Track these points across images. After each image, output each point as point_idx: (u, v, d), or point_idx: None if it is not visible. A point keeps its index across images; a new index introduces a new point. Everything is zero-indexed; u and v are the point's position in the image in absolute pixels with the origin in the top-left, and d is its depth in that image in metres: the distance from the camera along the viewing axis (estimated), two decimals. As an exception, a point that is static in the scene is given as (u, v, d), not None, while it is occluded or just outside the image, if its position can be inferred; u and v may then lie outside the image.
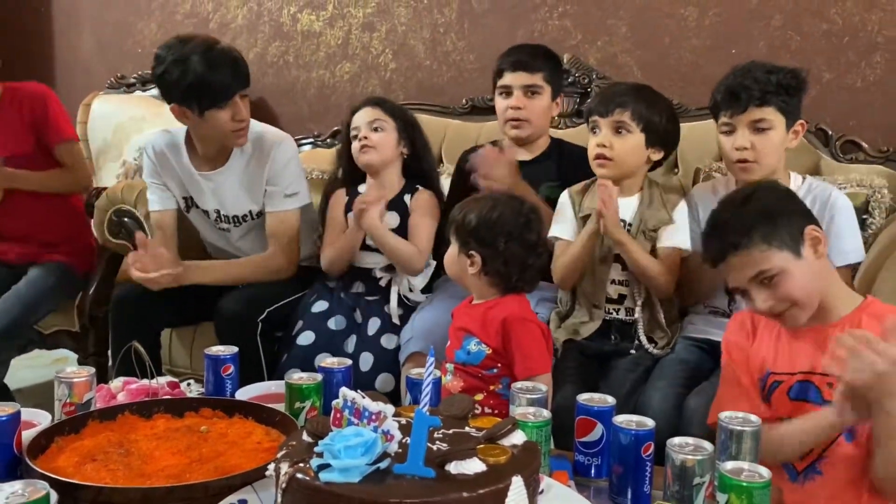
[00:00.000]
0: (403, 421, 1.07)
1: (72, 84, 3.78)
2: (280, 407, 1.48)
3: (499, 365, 1.72)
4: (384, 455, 1.01)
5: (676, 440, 1.25)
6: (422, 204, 2.30)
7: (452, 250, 1.80)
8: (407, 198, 2.32)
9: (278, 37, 3.38)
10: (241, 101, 2.24)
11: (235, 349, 1.66)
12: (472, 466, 1.00)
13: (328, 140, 3.08)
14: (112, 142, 3.38)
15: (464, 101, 2.90)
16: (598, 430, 1.36)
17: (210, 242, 2.55)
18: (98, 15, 3.79)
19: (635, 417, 1.33)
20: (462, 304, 1.85)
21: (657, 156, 2.04)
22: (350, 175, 2.38)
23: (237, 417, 1.46)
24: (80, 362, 2.80)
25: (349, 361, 1.61)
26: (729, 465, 1.17)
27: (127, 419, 1.44)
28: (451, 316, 1.86)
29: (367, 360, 2.13)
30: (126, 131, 3.20)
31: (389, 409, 1.03)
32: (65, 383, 1.48)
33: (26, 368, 2.79)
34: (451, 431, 1.11)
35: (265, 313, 2.23)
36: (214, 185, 2.36)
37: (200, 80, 2.14)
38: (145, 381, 1.59)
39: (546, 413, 1.35)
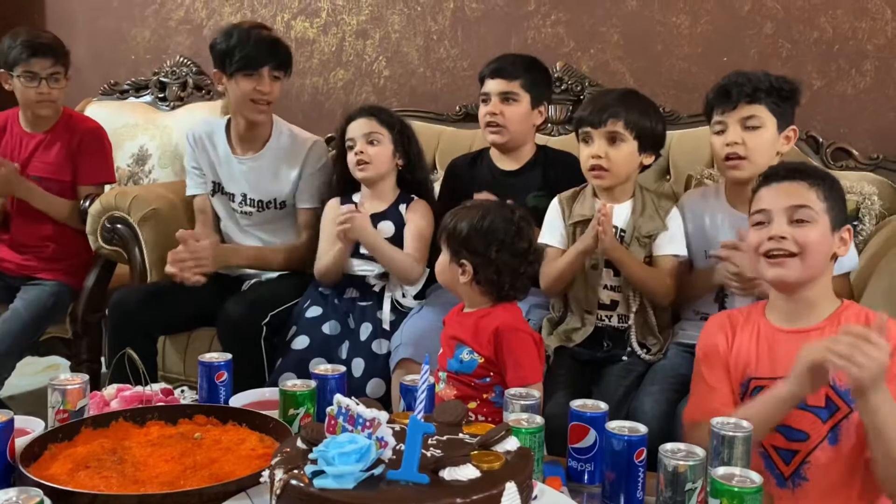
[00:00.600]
0: (397, 427, 1.08)
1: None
2: (274, 414, 1.48)
3: (491, 374, 1.72)
4: (378, 461, 1.01)
5: (669, 446, 1.25)
6: (417, 214, 2.31)
7: (443, 259, 1.80)
8: (402, 207, 2.33)
9: (272, 44, 3.38)
10: (271, 80, 2.42)
11: (229, 356, 1.66)
12: (466, 472, 1.01)
13: (322, 147, 3.08)
14: (105, 148, 3.37)
15: (457, 108, 2.91)
16: (591, 436, 1.37)
17: (225, 232, 2.64)
18: (91, 22, 3.78)
19: (628, 423, 1.34)
20: (453, 312, 1.85)
21: (649, 160, 2.05)
22: (344, 183, 2.39)
23: (231, 424, 1.45)
24: (73, 369, 2.79)
25: (343, 368, 1.61)
26: (721, 470, 1.18)
27: (120, 426, 1.44)
28: (443, 323, 1.86)
29: (358, 366, 2.14)
30: (119, 138, 3.20)
31: (383, 415, 1.04)
32: (58, 390, 1.47)
33: (19, 376, 2.79)
34: (444, 438, 1.11)
35: (268, 317, 2.26)
36: (247, 169, 2.52)
37: (234, 46, 2.39)
38: (139, 388, 1.59)
39: (539, 419, 1.36)
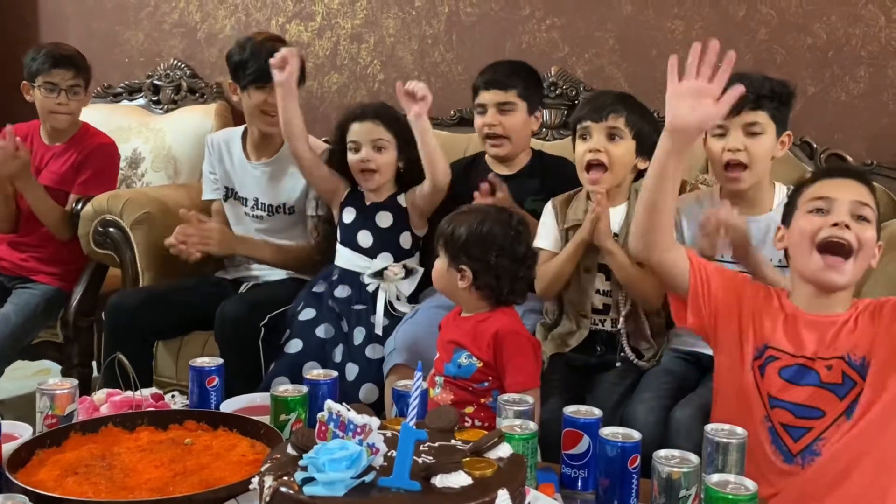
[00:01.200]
0: (389, 434, 1.07)
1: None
2: (265, 419, 1.47)
3: (490, 378, 1.71)
4: (369, 468, 1.01)
5: (662, 452, 1.25)
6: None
7: (441, 264, 1.79)
8: (400, 198, 2.34)
9: (266, 47, 3.37)
10: None
11: (220, 361, 1.65)
12: (458, 480, 1.00)
13: (316, 151, 3.08)
14: (98, 151, 3.35)
15: (452, 112, 2.91)
16: (585, 442, 1.36)
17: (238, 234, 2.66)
18: (85, 24, 3.77)
19: (621, 430, 1.33)
20: (450, 316, 1.84)
21: (644, 164, 2.04)
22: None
23: (222, 430, 1.44)
24: (64, 373, 2.78)
25: (335, 373, 1.60)
26: (715, 477, 1.18)
27: (110, 432, 1.43)
28: (438, 328, 1.86)
29: (352, 371, 2.13)
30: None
31: (375, 421, 1.03)
32: (47, 395, 1.46)
33: (8, 380, 2.78)
34: (437, 444, 1.10)
35: (266, 319, 2.26)
36: (259, 174, 2.56)
37: (247, 59, 2.43)
38: (129, 393, 1.57)
39: (532, 425, 1.35)
